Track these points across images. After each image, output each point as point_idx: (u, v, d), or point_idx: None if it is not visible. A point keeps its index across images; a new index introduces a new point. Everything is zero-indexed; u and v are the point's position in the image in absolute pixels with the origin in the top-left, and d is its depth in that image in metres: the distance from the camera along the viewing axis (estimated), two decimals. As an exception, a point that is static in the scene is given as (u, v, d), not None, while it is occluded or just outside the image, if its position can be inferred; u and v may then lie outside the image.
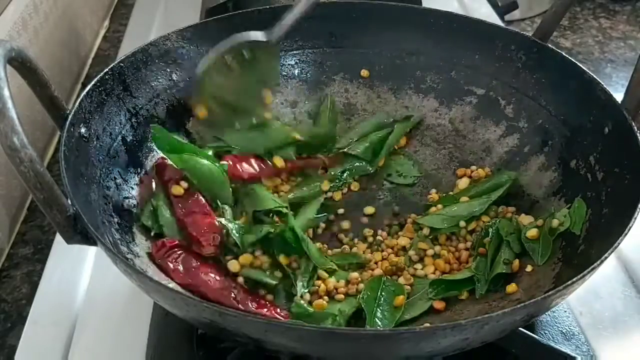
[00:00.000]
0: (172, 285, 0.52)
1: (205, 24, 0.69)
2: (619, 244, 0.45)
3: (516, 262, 0.55)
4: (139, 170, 0.61)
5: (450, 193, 0.65)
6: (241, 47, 0.59)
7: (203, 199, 0.59)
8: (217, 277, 0.53)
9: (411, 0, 0.77)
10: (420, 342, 0.40)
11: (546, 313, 0.57)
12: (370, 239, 0.62)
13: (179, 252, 0.54)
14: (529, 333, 0.53)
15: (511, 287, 0.54)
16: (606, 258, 0.44)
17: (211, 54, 0.59)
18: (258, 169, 0.64)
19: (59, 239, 0.66)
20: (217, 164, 0.61)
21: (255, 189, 0.61)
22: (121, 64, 0.61)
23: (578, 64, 0.61)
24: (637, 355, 0.56)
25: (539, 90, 0.65)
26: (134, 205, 0.58)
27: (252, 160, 0.64)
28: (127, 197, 0.58)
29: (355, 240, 0.62)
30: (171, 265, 0.53)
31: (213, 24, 0.69)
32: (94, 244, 0.45)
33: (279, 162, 0.65)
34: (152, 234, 0.57)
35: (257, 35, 0.60)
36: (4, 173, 0.70)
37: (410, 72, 0.72)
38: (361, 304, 0.53)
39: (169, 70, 0.66)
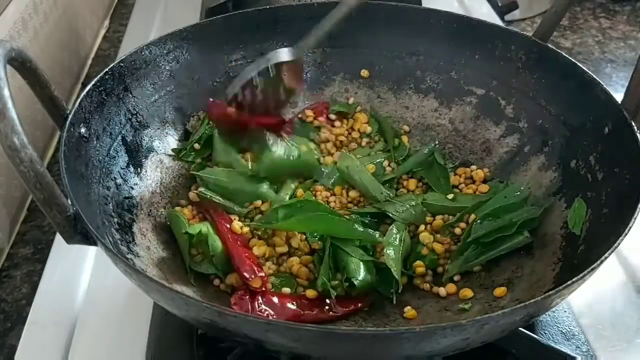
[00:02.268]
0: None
1: (205, 24, 0.69)
2: (619, 244, 0.45)
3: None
4: (139, 170, 0.61)
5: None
6: (268, 66, 0.61)
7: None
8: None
9: (411, 0, 0.77)
10: (420, 342, 0.40)
11: (546, 313, 0.57)
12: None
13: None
14: (529, 333, 0.53)
15: (499, 291, 0.54)
16: (606, 258, 0.44)
17: (240, 77, 0.60)
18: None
19: (59, 239, 0.66)
20: None
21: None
22: (121, 64, 0.61)
23: (578, 64, 0.61)
24: (637, 355, 0.56)
25: (539, 90, 0.65)
26: (134, 205, 0.58)
27: None
28: (127, 197, 0.58)
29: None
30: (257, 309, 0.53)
31: (213, 24, 0.69)
32: (94, 244, 0.45)
33: None
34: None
35: (284, 54, 0.61)
36: (4, 173, 0.70)
37: (410, 72, 0.72)
38: None
39: (169, 70, 0.66)
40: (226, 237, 0.57)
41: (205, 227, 0.57)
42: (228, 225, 0.59)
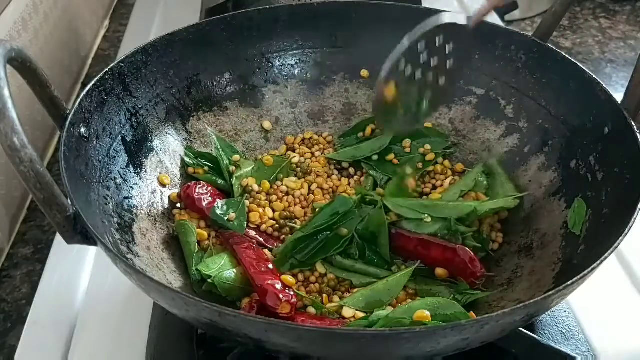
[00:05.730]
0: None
1: (205, 24, 0.69)
2: (619, 244, 0.45)
3: None
4: (139, 170, 0.61)
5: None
6: (435, 34, 0.54)
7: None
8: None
9: (411, 0, 0.77)
10: (420, 342, 0.40)
11: (546, 313, 0.57)
12: None
13: None
14: (529, 333, 0.53)
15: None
16: (606, 258, 0.44)
17: (406, 40, 0.54)
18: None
19: (59, 239, 0.66)
20: None
21: None
22: (121, 64, 0.61)
23: (578, 64, 0.61)
24: (637, 355, 0.56)
25: (539, 90, 0.65)
26: (134, 205, 0.58)
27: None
28: (127, 197, 0.58)
29: None
30: None
31: (213, 24, 0.69)
32: (94, 244, 0.45)
33: None
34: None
35: (457, 17, 0.54)
36: (4, 173, 0.70)
37: (410, 72, 0.72)
38: None
39: (168, 70, 0.66)
40: (249, 267, 0.55)
41: (221, 262, 0.56)
42: (251, 253, 0.56)
